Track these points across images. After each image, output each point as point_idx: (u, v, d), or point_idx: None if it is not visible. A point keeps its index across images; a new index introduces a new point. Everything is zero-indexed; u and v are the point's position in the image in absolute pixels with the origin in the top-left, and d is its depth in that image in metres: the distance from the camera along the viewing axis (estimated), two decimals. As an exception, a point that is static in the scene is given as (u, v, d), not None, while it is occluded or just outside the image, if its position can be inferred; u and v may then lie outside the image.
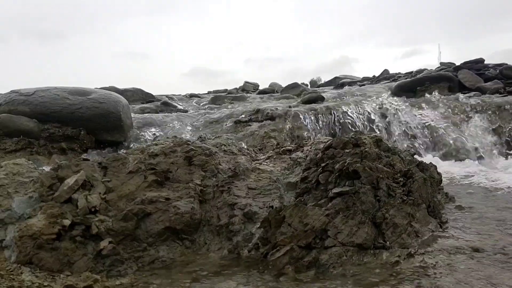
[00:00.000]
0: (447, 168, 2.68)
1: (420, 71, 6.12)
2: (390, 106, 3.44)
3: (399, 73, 7.64)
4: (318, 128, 3.02)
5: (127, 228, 1.39)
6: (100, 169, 1.62)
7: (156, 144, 1.87)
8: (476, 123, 3.27)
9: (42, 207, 1.41)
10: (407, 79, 4.60)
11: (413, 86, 4.48)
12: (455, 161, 3.02)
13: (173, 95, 8.96)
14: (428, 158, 3.11)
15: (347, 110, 3.26)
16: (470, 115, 3.40)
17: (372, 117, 3.27)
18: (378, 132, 3.18)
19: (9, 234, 1.40)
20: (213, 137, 2.83)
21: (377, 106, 3.44)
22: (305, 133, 2.96)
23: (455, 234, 1.45)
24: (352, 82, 8.05)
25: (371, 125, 3.23)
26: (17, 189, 1.55)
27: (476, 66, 4.77)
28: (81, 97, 3.10)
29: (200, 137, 2.81)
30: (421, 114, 3.47)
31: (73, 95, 3.12)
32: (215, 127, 3.27)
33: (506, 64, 4.76)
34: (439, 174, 1.94)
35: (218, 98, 5.43)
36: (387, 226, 1.34)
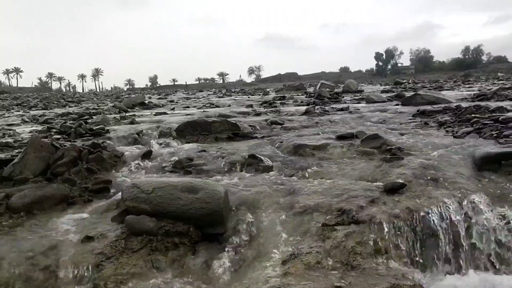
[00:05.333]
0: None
1: None
2: (474, 210, 3.60)
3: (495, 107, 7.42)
4: (399, 240, 3.30)
5: None
6: None
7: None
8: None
9: None
10: (492, 152, 4.59)
11: (498, 159, 4.52)
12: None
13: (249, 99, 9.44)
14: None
15: (429, 215, 3.48)
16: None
17: (456, 224, 3.47)
18: (462, 245, 3.39)
19: None
20: (306, 250, 3.22)
21: (460, 210, 3.60)
22: (387, 245, 3.25)
23: None
24: (433, 112, 7.98)
25: (453, 231, 3.44)
26: None
27: None
28: (190, 195, 3.61)
29: (293, 254, 3.21)
30: (504, 215, 3.59)
31: (184, 192, 3.63)
32: (303, 223, 3.64)
33: None
34: None
35: (300, 147, 5.77)
36: None
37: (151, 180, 3.86)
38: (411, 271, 3.15)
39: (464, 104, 8.53)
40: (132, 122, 8.30)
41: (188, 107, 13.82)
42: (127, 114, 10.70)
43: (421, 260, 3.34)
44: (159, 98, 23.16)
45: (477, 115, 6.57)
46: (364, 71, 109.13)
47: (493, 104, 8.12)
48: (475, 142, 5.44)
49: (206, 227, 3.58)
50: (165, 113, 10.64)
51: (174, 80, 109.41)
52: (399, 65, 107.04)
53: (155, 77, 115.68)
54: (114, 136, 6.86)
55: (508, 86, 13.36)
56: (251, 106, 11.99)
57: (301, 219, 3.74)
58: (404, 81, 32.10)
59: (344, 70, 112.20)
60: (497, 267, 3.43)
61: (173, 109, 12.70)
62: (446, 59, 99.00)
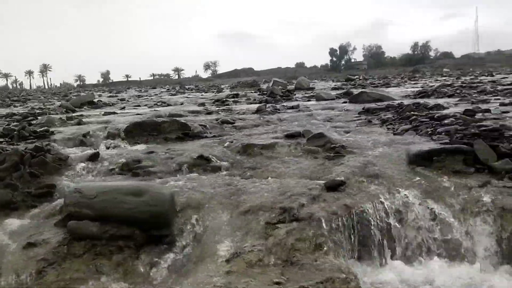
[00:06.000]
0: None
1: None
2: (405, 205, 3.85)
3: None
4: (337, 236, 3.49)
5: None
6: None
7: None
8: (479, 225, 3.65)
9: None
10: (425, 149, 4.90)
11: (430, 156, 4.82)
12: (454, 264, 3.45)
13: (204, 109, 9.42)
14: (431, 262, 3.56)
15: (365, 210, 3.70)
16: (477, 213, 3.76)
17: (389, 218, 3.71)
18: (395, 237, 3.63)
19: None
20: (248, 249, 3.34)
21: (393, 205, 3.84)
22: (326, 240, 3.43)
23: None
24: (377, 110, 8.33)
25: (387, 225, 3.68)
26: None
27: (492, 134, 5.00)
28: (135, 198, 3.64)
29: (236, 253, 3.33)
30: (432, 209, 3.87)
31: (128, 196, 3.66)
32: (247, 222, 3.75)
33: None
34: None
35: (249, 147, 5.91)
36: None
37: (95, 185, 3.86)
38: (347, 265, 3.34)
39: (405, 102, 8.98)
40: (79, 123, 8.13)
41: (139, 106, 13.64)
42: (74, 114, 10.43)
43: (357, 254, 3.56)
44: (110, 96, 22.62)
45: (416, 113, 6.95)
46: (319, 66, 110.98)
47: (431, 101, 8.60)
48: (412, 139, 5.78)
49: (151, 229, 3.62)
50: (114, 113, 10.47)
51: (127, 76, 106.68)
52: (353, 60, 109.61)
53: (107, 72, 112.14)
54: (59, 138, 6.72)
55: (449, 83, 14.13)
56: (203, 104, 12.02)
57: (246, 218, 3.86)
58: (356, 77, 33.08)
59: (300, 65, 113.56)
60: (427, 257, 3.70)
61: (123, 108, 12.49)
62: (397, 55, 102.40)
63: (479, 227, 3.68)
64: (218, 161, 5.47)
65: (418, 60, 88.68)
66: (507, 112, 6.57)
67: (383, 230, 3.70)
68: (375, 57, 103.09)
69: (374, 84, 19.62)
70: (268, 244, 3.41)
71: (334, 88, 17.68)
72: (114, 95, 24.82)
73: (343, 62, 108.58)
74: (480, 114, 6.42)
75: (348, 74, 40.83)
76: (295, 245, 3.36)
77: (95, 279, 3.18)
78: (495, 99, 8.77)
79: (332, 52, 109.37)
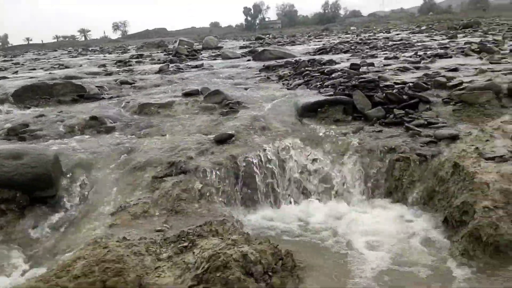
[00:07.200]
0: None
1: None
2: (287, 152, 4.16)
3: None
4: (221, 184, 3.71)
5: None
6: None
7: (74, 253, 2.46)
8: (350, 165, 4.09)
9: None
10: (310, 101, 5.24)
11: (315, 108, 5.18)
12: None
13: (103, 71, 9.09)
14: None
15: (248, 159, 3.95)
16: (347, 156, 4.19)
17: (272, 165, 4.00)
18: (277, 182, 3.93)
19: None
20: (134, 202, 3.44)
21: (276, 153, 4.13)
22: (210, 189, 3.64)
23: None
24: (277, 66, 8.61)
25: (269, 171, 3.97)
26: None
27: (369, 85, 5.46)
28: (15, 161, 3.55)
29: (121, 207, 3.41)
30: (311, 154, 4.23)
31: (8, 159, 3.56)
32: (135, 178, 3.84)
33: (396, 83, 5.48)
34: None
35: (145, 106, 5.89)
36: None
37: (-30, 150, 3.66)
38: (230, 209, 3.59)
39: (304, 58, 9.36)
40: (-38, 89, 7.46)
41: (35, 69, 12.73)
42: (-42, 81, 9.51)
43: (241, 198, 3.81)
44: (4, 61, 20.72)
45: (309, 69, 7.31)
46: (234, 26, 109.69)
47: (327, 58, 9.07)
48: (303, 93, 6.11)
49: (35, 191, 3.57)
50: (5, 77, 9.71)
51: (28, 39, 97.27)
52: (267, 19, 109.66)
53: (5, 36, 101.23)
54: None
55: (347, 40, 14.87)
56: (104, 66, 11.53)
57: (134, 174, 3.93)
58: (266, 36, 33.39)
59: (215, 25, 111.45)
60: (306, 197, 4.06)
61: (16, 72, 11.59)
62: (309, 14, 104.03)
63: (350, 167, 4.11)
64: (112, 122, 5.40)
65: (329, 19, 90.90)
66: (389, 65, 7.15)
67: (265, 176, 3.99)
68: (289, 16, 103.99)
69: (281, 42, 20.03)
70: (154, 196, 3.54)
71: (242, 47, 17.78)
72: (9, 59, 22.74)
73: (257, 22, 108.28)
74: (365, 67, 6.93)
75: (262, 34, 40.98)
76: (181, 196, 3.52)
77: (-26, 244, 3.11)
78: (383, 53, 9.46)
79: (246, 11, 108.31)
